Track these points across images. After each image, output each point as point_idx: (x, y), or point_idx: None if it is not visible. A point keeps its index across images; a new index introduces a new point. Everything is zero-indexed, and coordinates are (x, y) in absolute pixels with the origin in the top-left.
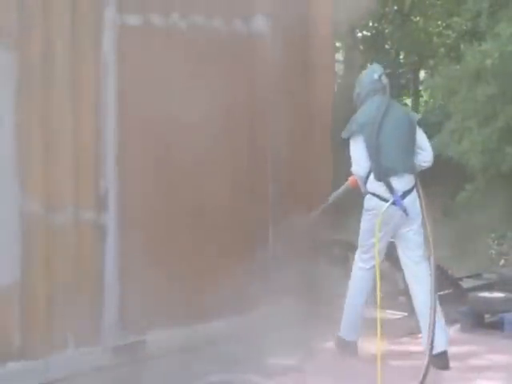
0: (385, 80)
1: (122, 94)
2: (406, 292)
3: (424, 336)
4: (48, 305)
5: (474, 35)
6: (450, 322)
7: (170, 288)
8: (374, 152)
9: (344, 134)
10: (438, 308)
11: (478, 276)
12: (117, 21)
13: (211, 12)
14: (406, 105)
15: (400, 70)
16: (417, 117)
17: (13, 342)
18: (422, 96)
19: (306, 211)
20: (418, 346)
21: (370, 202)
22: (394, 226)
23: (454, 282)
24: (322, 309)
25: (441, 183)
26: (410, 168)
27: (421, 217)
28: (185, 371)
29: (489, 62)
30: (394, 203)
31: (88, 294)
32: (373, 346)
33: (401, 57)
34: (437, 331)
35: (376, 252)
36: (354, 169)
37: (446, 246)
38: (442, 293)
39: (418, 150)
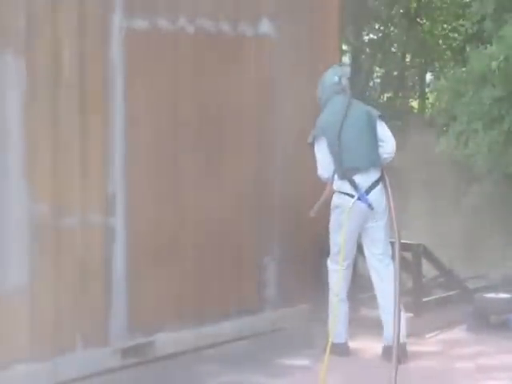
0: (345, 81)
1: (129, 98)
2: (411, 292)
3: (386, 332)
4: (56, 306)
5: (480, 38)
6: (456, 322)
7: (178, 289)
8: (337, 153)
9: (309, 139)
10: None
11: (484, 277)
12: (124, 25)
13: (218, 15)
14: (412, 107)
15: (406, 73)
16: (377, 112)
17: (21, 344)
18: (428, 98)
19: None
20: (425, 346)
21: (336, 199)
22: (360, 222)
23: (460, 283)
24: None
25: (447, 185)
26: (371, 163)
27: (387, 212)
28: (193, 372)
29: (494, 64)
30: (359, 199)
31: (96, 295)
32: (382, 346)
33: (407, 59)
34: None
35: (343, 246)
36: (319, 172)
37: (452, 246)
38: (448, 294)
39: (380, 143)
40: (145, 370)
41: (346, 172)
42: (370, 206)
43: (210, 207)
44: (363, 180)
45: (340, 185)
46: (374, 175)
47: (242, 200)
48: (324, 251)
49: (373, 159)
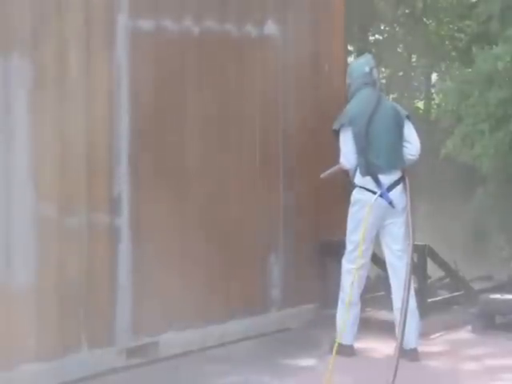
0: (376, 73)
1: (135, 98)
2: (417, 293)
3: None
4: (62, 307)
5: (486, 38)
6: (461, 323)
7: (182, 290)
8: (363, 147)
9: (334, 126)
10: (414, 304)
11: (488, 278)
12: (130, 25)
13: (223, 17)
14: (418, 108)
15: (412, 73)
16: (405, 112)
17: (27, 344)
18: (433, 99)
19: (318, 209)
20: (431, 346)
21: (357, 194)
22: (379, 219)
23: (465, 284)
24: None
25: (453, 186)
26: (395, 164)
27: (406, 210)
28: (198, 372)
29: (500, 65)
30: (380, 196)
31: (101, 296)
32: (386, 347)
33: (413, 59)
34: (408, 327)
35: (361, 240)
36: (341, 161)
37: (457, 247)
38: (453, 294)
39: (405, 144)
40: (150, 370)
41: (370, 169)
42: (391, 203)
43: (215, 207)
44: (386, 179)
45: (362, 180)
46: (395, 175)
47: (247, 201)
48: (329, 251)
49: (396, 160)
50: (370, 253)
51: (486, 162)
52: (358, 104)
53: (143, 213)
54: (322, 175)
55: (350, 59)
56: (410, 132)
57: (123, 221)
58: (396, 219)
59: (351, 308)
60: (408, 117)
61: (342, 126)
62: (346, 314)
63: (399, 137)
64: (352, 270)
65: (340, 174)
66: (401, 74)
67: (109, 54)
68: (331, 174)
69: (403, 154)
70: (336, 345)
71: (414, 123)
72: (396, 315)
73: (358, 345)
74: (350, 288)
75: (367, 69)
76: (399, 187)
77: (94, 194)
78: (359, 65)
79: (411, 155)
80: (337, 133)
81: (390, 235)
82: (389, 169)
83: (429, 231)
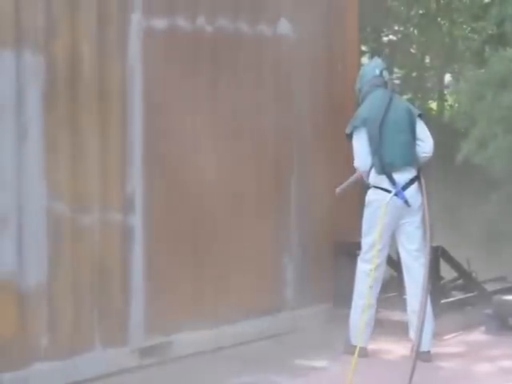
0: (386, 75)
1: (148, 96)
2: (430, 294)
3: (412, 331)
4: (75, 306)
5: (500, 40)
6: (474, 324)
7: (196, 289)
8: (377, 147)
9: (347, 129)
10: (429, 307)
11: (502, 279)
12: (143, 24)
13: (236, 15)
14: (431, 109)
15: (426, 74)
16: (417, 111)
17: (40, 343)
18: (447, 100)
19: (332, 209)
20: (444, 347)
21: (372, 195)
22: (395, 218)
23: (479, 285)
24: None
25: (467, 186)
26: (410, 162)
27: (422, 210)
28: (211, 372)
29: None
30: (395, 195)
31: (115, 295)
32: (399, 348)
33: (427, 60)
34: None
35: (378, 240)
36: (356, 164)
37: (471, 249)
38: (466, 295)
39: (418, 142)
40: (163, 369)
41: (384, 168)
42: (406, 202)
43: (228, 208)
44: (400, 177)
45: (377, 179)
46: (409, 173)
47: (261, 200)
48: (343, 252)
49: (409, 158)
50: (385, 253)
51: (499, 165)
52: (370, 105)
53: (157, 211)
54: (337, 190)
55: (364, 60)
56: (422, 130)
57: (137, 219)
58: (412, 218)
59: (366, 310)
60: (420, 115)
61: (355, 128)
62: (360, 316)
63: (412, 135)
64: (367, 272)
65: (355, 186)
66: (414, 74)
67: (122, 52)
68: (348, 187)
69: (416, 152)
70: (358, 348)
71: (426, 122)
72: (410, 316)
73: (370, 346)
74: (368, 290)
75: (377, 71)
76: (414, 186)
77: (108, 192)
78: (369, 69)
79: (425, 153)
80: (350, 137)
81: (405, 235)
82: (403, 166)
83: (442, 231)
